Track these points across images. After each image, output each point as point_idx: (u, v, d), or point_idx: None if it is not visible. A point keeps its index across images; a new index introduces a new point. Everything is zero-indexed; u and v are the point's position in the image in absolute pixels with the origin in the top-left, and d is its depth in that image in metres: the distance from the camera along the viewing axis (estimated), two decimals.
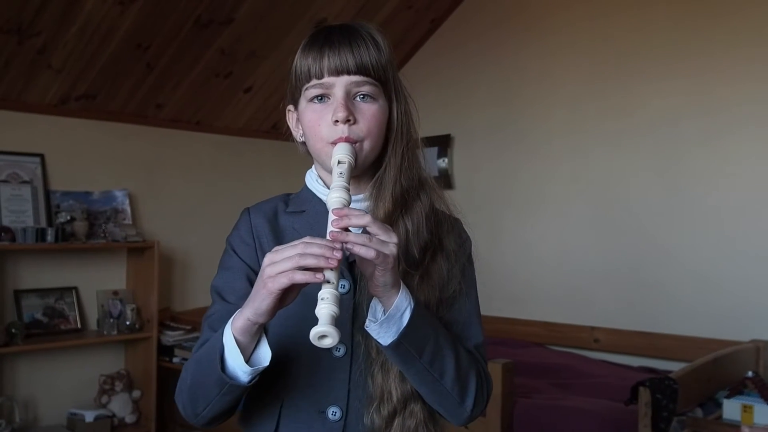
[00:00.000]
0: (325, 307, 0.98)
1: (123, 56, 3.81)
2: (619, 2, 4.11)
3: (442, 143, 4.75)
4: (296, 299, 1.05)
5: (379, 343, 1.10)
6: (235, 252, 1.28)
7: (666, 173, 3.90)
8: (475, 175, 4.65)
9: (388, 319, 1.08)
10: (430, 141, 4.76)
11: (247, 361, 1.07)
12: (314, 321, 0.99)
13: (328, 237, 1.02)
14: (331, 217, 1.05)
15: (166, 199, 4.40)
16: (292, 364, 1.18)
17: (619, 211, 4.08)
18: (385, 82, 1.22)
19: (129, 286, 4.15)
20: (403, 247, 1.17)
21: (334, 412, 1.18)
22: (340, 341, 1.13)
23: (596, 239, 4.16)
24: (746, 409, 2.79)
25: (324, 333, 0.97)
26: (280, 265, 0.99)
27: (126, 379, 4.01)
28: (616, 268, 4.06)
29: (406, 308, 1.09)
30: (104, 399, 3.92)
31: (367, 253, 1.01)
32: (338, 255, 0.99)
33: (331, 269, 1.00)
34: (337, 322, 0.99)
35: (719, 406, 2.94)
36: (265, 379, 1.13)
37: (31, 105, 3.83)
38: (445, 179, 4.68)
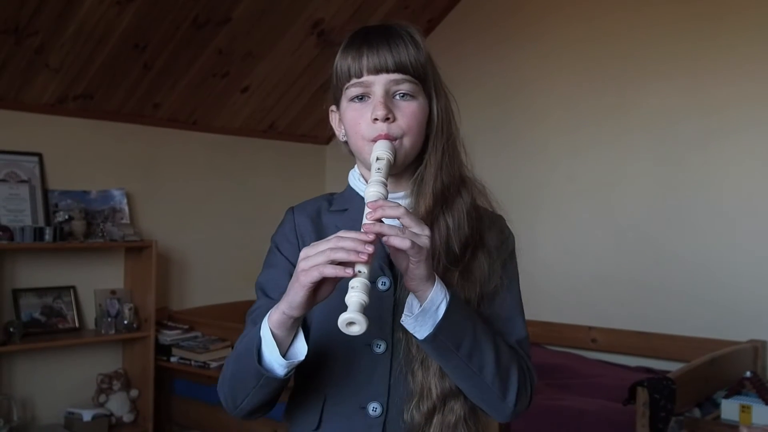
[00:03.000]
0: (355, 295, 1.00)
1: (120, 56, 3.80)
2: (616, 2, 4.12)
3: None
4: (337, 296, 1.06)
5: (415, 336, 1.11)
6: (279, 250, 1.30)
7: (663, 173, 3.90)
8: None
9: (423, 313, 1.09)
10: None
11: (284, 354, 1.09)
12: None
13: (362, 229, 1.03)
14: (367, 210, 1.06)
15: (163, 199, 4.39)
16: (335, 360, 1.21)
17: (616, 211, 4.08)
18: (424, 79, 1.24)
19: (127, 286, 4.15)
20: (444, 244, 1.18)
21: (374, 408, 1.20)
22: (381, 338, 1.17)
23: (593, 239, 4.16)
24: (744, 410, 2.79)
25: (352, 320, 0.99)
26: (313, 259, 1.01)
27: (124, 378, 4.01)
28: (613, 268, 4.06)
29: (441, 301, 1.09)
30: (102, 398, 3.91)
31: (401, 243, 1.02)
32: (370, 249, 1.00)
33: (363, 263, 1.01)
34: (378, 319, 1.01)
35: (717, 406, 2.95)
36: (309, 374, 1.16)
37: (28, 104, 3.82)
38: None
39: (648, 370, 3.71)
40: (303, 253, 1.04)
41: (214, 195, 4.66)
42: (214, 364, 3.84)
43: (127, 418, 3.94)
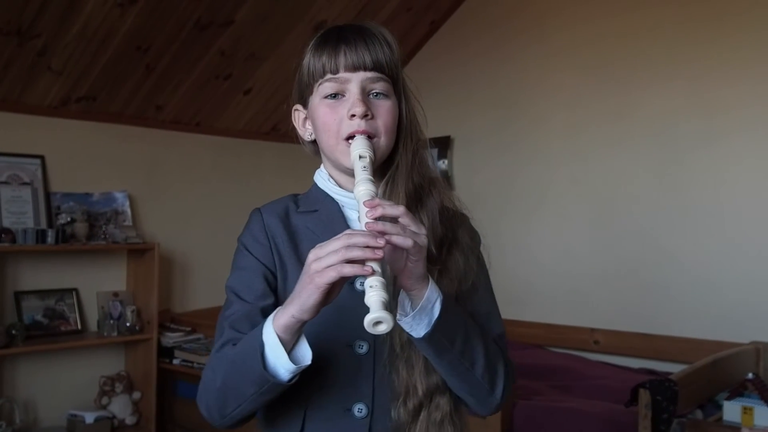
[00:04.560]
0: (375, 294, 0.99)
1: (123, 58, 3.81)
2: (618, 4, 4.12)
3: (442, 145, 4.75)
4: None
5: (411, 336, 1.11)
6: (249, 252, 1.26)
7: (665, 175, 3.90)
8: (475, 177, 4.65)
9: (420, 312, 1.08)
10: (430, 142, 4.78)
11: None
12: (336, 320, 1.02)
13: (365, 228, 1.02)
14: (363, 209, 1.05)
15: (166, 201, 4.40)
16: (317, 362, 1.18)
17: (618, 213, 4.08)
18: (396, 80, 1.24)
19: (129, 288, 4.15)
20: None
21: (359, 409, 1.19)
22: (362, 338, 1.16)
23: (596, 241, 4.16)
24: (746, 411, 2.79)
25: (378, 319, 0.98)
26: (327, 260, 1.00)
27: (126, 380, 4.01)
28: (615, 270, 4.06)
29: (436, 299, 1.09)
30: (104, 400, 3.92)
31: (404, 242, 1.01)
32: (382, 243, 1.00)
33: (377, 260, 1.00)
34: (359, 319, 1.00)
35: (719, 407, 2.94)
36: None
37: (31, 107, 3.83)
38: (445, 181, 4.67)
39: (650, 371, 3.70)
40: (312, 254, 1.02)
41: (216, 197, 4.66)
42: None
43: (130, 420, 3.94)
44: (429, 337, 1.09)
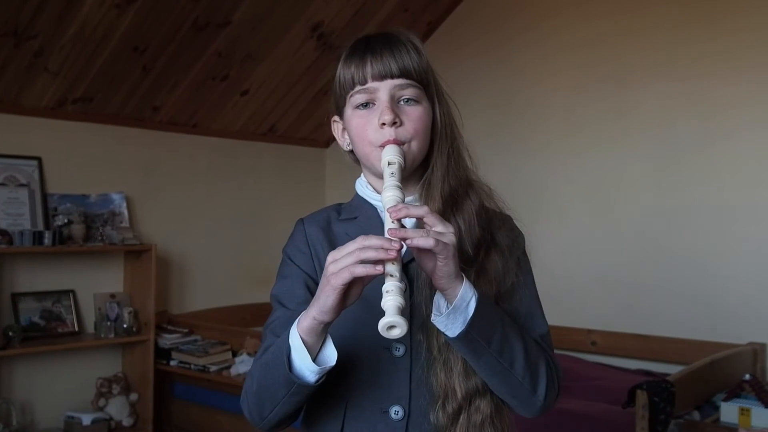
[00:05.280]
0: (391, 298, 1.01)
1: (120, 59, 3.80)
2: (615, 4, 4.12)
3: None
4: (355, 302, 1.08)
5: (446, 335, 1.12)
6: (292, 261, 1.30)
7: (663, 175, 3.90)
8: None
9: (455, 310, 1.09)
10: None
11: (314, 360, 1.09)
12: (373, 323, 1.02)
13: (386, 234, 1.04)
14: (387, 215, 1.07)
15: (163, 202, 4.39)
16: (354, 365, 1.21)
17: (616, 213, 4.08)
18: (426, 84, 1.25)
19: (126, 289, 4.15)
20: (457, 245, 1.17)
21: (396, 411, 1.20)
22: (399, 341, 1.16)
23: (593, 241, 4.16)
24: (744, 412, 2.79)
25: (392, 323, 1.00)
26: (342, 261, 1.02)
27: (123, 382, 4.00)
28: (613, 271, 4.06)
29: (471, 298, 1.10)
30: (101, 402, 3.91)
31: (426, 243, 1.03)
32: (397, 246, 1.01)
33: (392, 261, 1.02)
34: None
35: (716, 409, 2.94)
36: (328, 381, 1.16)
37: (28, 108, 3.82)
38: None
39: (647, 372, 3.70)
40: (330, 257, 1.04)
41: (213, 198, 4.66)
42: (213, 368, 3.84)
43: (127, 422, 3.94)
44: (464, 335, 1.10)
